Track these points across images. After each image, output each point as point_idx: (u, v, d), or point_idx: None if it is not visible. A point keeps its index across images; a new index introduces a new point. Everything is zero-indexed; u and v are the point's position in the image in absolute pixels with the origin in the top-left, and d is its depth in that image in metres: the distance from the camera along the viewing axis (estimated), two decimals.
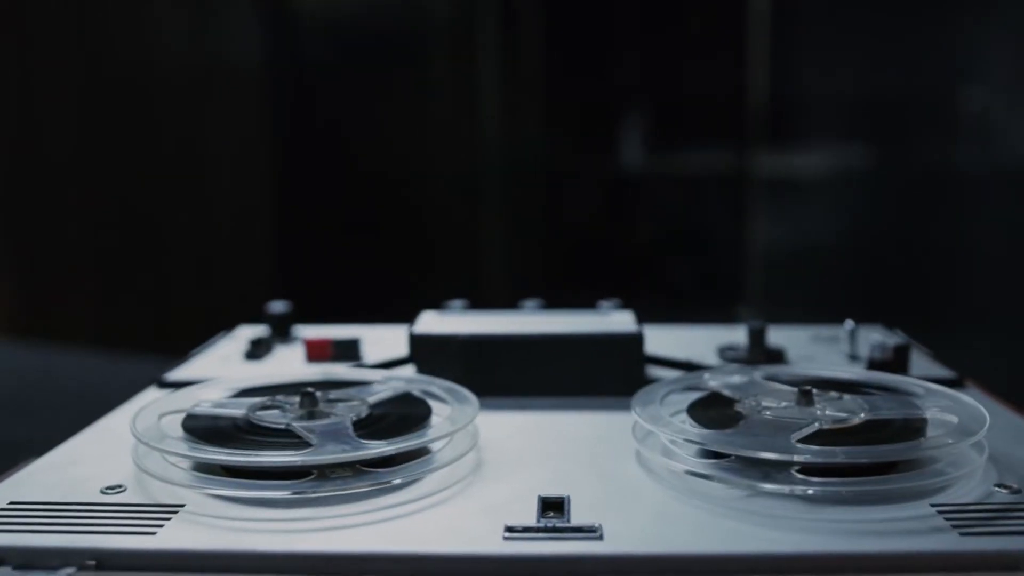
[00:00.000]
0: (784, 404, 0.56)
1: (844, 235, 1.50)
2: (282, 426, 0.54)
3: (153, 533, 0.45)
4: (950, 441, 0.50)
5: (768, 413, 0.54)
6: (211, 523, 0.46)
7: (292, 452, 0.50)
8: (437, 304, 0.80)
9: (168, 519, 0.46)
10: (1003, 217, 1.34)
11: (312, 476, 0.49)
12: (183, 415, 0.57)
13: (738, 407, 0.56)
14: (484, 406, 0.59)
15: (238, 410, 0.56)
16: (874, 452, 0.49)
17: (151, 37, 1.68)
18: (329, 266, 1.65)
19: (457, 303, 0.81)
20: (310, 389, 0.57)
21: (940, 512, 0.46)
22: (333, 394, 0.59)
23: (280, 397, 0.58)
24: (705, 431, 0.53)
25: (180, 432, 0.54)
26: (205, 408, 0.57)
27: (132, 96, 1.68)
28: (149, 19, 1.69)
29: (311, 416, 0.55)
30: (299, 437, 0.52)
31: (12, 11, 1.71)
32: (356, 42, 1.62)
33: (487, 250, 1.64)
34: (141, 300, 1.74)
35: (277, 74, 1.66)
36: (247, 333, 0.86)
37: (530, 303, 0.82)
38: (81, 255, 1.76)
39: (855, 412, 0.54)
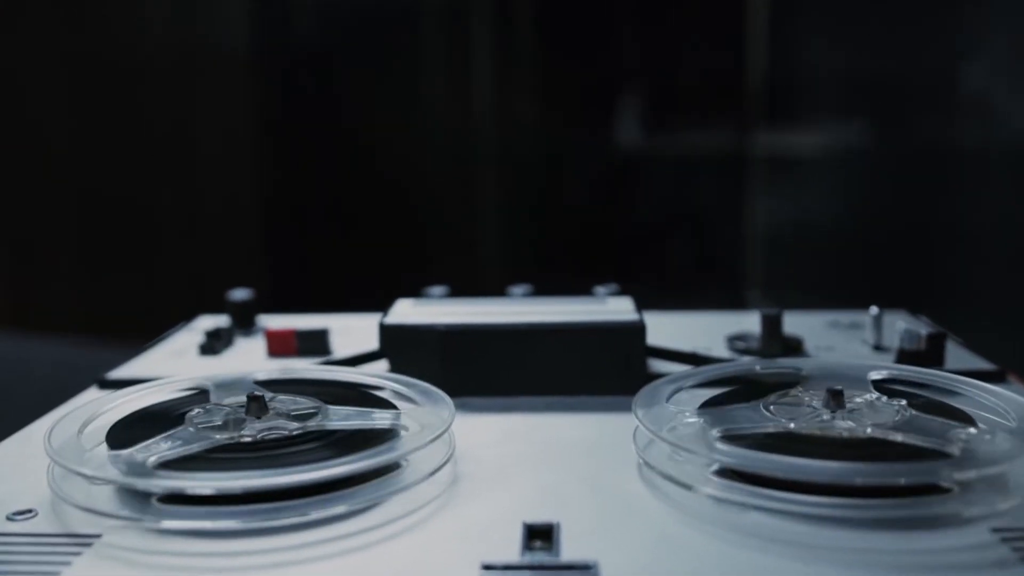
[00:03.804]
0: (812, 406, 0.48)
1: (845, 215, 1.46)
2: (223, 439, 0.46)
3: (57, 573, 0.37)
4: (1010, 451, 0.42)
5: (799, 420, 0.46)
6: (129, 558, 0.38)
7: (228, 473, 0.41)
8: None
9: (78, 553, 0.39)
10: (1005, 196, 1.28)
11: (253, 501, 0.41)
12: (110, 425, 0.49)
13: (760, 410, 0.48)
14: (464, 407, 0.52)
15: (176, 418, 0.48)
16: (947, 467, 0.41)
17: (137, 20, 1.63)
18: (320, 251, 1.60)
19: (437, 289, 0.74)
20: (259, 392, 0.49)
21: (1004, 540, 0.38)
22: (287, 397, 0.51)
23: (226, 401, 0.50)
24: (736, 449, 0.43)
25: (104, 446, 0.46)
26: (137, 415, 0.49)
27: (118, 80, 1.63)
28: (136, 1, 1.62)
29: (258, 425, 0.47)
30: (241, 453, 0.44)
31: None
32: (347, 22, 1.56)
33: (482, 233, 1.57)
34: (126, 286, 1.68)
35: (266, 57, 1.60)
36: (206, 324, 0.78)
37: (518, 289, 0.74)
38: (65, 240, 1.71)
39: (895, 415, 0.46)
